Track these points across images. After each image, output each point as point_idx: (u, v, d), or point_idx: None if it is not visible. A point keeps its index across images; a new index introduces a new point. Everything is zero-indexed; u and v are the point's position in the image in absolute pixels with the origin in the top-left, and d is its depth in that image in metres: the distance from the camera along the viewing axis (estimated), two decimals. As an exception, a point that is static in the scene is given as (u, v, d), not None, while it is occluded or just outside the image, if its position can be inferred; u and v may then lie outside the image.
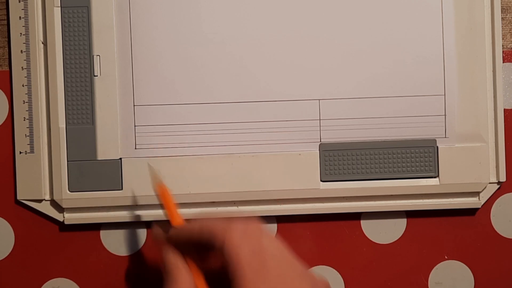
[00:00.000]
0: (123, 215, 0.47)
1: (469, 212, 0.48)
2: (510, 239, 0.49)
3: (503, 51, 0.47)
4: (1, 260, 0.48)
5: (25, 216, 0.48)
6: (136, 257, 0.49)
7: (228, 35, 0.47)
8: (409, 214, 0.48)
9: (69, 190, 0.47)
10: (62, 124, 0.47)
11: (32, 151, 0.47)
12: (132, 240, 0.49)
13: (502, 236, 0.49)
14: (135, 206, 0.47)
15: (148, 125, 0.47)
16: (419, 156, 0.47)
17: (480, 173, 0.47)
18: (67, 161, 0.46)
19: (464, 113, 0.47)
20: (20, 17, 0.47)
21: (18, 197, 0.47)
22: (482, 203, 0.47)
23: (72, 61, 0.47)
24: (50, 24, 0.47)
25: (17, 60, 0.47)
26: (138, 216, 0.47)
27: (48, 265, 0.48)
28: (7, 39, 0.48)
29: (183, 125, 0.47)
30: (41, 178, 0.47)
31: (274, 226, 0.48)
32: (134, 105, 0.47)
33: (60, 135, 0.46)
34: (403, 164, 0.47)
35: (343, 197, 0.47)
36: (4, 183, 0.48)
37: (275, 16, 0.47)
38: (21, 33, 0.47)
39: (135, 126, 0.47)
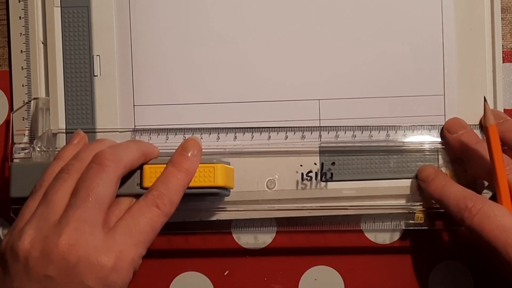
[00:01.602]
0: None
1: (469, 212, 0.48)
2: (510, 239, 0.49)
3: (503, 51, 0.47)
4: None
5: (25, 216, 0.48)
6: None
7: (228, 36, 0.47)
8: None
9: (69, 190, 0.47)
10: (62, 124, 0.47)
11: (32, 151, 0.47)
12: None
13: (502, 236, 0.48)
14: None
15: (148, 125, 0.47)
16: (419, 157, 0.47)
17: (480, 173, 0.47)
18: (67, 161, 0.46)
19: (464, 113, 0.47)
20: (20, 17, 0.47)
21: (13, 202, 0.47)
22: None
23: (72, 61, 0.47)
24: (50, 24, 0.47)
25: (17, 60, 0.47)
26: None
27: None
28: (7, 39, 0.48)
29: (183, 125, 0.47)
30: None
31: (274, 226, 0.48)
32: (134, 105, 0.47)
33: (60, 135, 0.46)
34: (404, 164, 0.47)
35: (343, 197, 0.47)
36: (3, 183, 0.48)
37: (275, 16, 0.47)
38: (21, 33, 0.47)
39: (135, 126, 0.47)
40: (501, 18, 0.47)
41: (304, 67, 0.47)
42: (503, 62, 0.47)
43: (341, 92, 0.47)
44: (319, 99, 0.47)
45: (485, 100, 0.42)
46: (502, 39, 0.47)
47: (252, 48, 0.47)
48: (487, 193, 0.46)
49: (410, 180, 0.46)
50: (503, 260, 0.39)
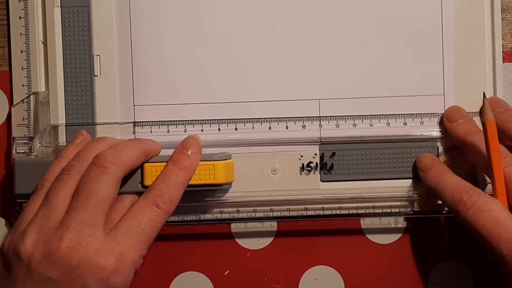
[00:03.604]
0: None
1: (469, 212, 0.48)
2: (510, 239, 0.48)
3: (503, 51, 0.47)
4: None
5: (25, 216, 0.48)
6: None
7: (228, 35, 0.47)
8: (409, 214, 0.48)
9: (69, 190, 0.47)
10: (62, 122, 0.47)
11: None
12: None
13: (502, 236, 0.48)
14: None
15: (148, 124, 0.47)
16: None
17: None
18: (67, 161, 0.46)
19: (464, 113, 0.47)
20: (20, 17, 0.47)
21: (18, 197, 0.47)
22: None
23: (72, 61, 0.47)
24: (50, 24, 0.47)
25: (17, 60, 0.47)
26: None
27: (48, 265, 0.48)
28: (7, 39, 0.48)
29: (183, 125, 0.47)
30: (41, 178, 0.47)
31: (274, 226, 0.48)
32: (134, 105, 0.47)
33: (60, 130, 0.47)
34: (403, 164, 0.47)
35: (343, 197, 0.47)
36: (4, 183, 0.48)
37: (275, 16, 0.47)
38: (21, 33, 0.47)
39: (135, 125, 0.47)
40: (501, 18, 0.47)
41: (304, 67, 0.47)
42: (503, 62, 0.47)
43: (341, 91, 0.47)
44: (319, 99, 0.47)
45: (484, 96, 0.42)
46: (502, 39, 0.47)
47: (252, 49, 0.47)
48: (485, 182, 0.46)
49: (410, 170, 0.47)
50: (495, 254, 0.39)
